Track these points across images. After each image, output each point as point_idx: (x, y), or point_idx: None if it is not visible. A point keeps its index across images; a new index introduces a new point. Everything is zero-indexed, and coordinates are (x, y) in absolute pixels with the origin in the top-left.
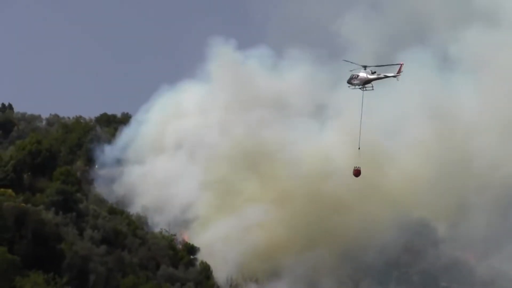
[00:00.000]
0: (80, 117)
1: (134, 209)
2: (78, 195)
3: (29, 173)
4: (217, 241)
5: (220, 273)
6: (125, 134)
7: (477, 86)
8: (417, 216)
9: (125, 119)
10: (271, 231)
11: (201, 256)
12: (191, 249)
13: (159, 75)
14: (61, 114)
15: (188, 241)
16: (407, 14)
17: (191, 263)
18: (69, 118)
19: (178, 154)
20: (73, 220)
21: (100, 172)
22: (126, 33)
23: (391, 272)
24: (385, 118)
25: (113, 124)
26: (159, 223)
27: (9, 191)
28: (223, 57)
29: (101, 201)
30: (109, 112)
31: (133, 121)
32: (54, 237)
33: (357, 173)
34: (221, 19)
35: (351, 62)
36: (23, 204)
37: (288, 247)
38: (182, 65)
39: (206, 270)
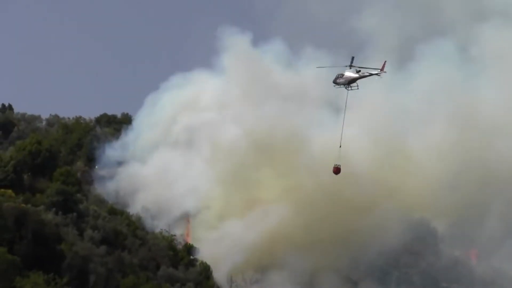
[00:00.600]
0: (80, 117)
1: (134, 210)
2: (78, 195)
3: (29, 174)
4: (222, 236)
5: (221, 270)
6: (129, 132)
7: (495, 83)
8: (420, 217)
9: (125, 120)
10: (275, 226)
11: (204, 250)
12: (191, 250)
13: (161, 75)
14: (61, 115)
15: (191, 234)
16: (423, 10)
17: (191, 263)
18: (69, 118)
19: (188, 148)
20: (73, 221)
21: (100, 172)
22: (125, 33)
23: (391, 272)
24: (401, 116)
25: (113, 124)
26: (159, 224)
27: (9, 191)
28: (237, 47)
29: (101, 201)
30: (109, 113)
31: (137, 117)
32: (54, 237)
33: (336, 171)
34: (225, 15)
35: (324, 67)
36: (23, 205)
37: (290, 243)
38: (183, 65)
39: (206, 270)
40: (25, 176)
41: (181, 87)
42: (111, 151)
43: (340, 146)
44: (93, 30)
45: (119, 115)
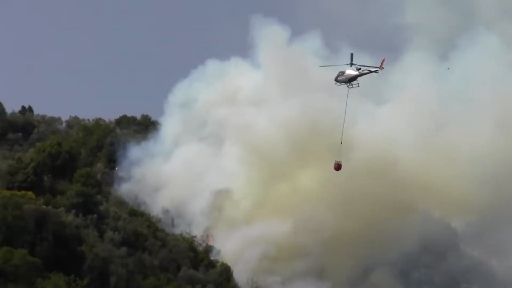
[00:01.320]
0: (100, 119)
1: (155, 211)
2: (98, 197)
3: (50, 176)
4: (250, 230)
5: (244, 265)
6: (157, 129)
7: None
8: (440, 216)
9: (145, 121)
10: (303, 221)
11: (229, 244)
12: (211, 251)
13: (178, 76)
14: (81, 116)
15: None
16: (461, 7)
17: (212, 264)
18: (89, 120)
19: (220, 144)
20: (94, 222)
21: (121, 173)
22: (144, 36)
23: (412, 273)
24: (443, 112)
25: (133, 126)
26: (182, 222)
27: (30, 193)
28: (274, 40)
29: (121, 203)
30: (129, 114)
31: (166, 108)
32: (75, 239)
33: (338, 167)
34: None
35: (327, 65)
36: (43, 207)
37: (314, 237)
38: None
39: (226, 271)
40: (45, 178)
41: (214, 78)
42: (133, 151)
43: (341, 143)
44: (113, 32)
45: (138, 117)
